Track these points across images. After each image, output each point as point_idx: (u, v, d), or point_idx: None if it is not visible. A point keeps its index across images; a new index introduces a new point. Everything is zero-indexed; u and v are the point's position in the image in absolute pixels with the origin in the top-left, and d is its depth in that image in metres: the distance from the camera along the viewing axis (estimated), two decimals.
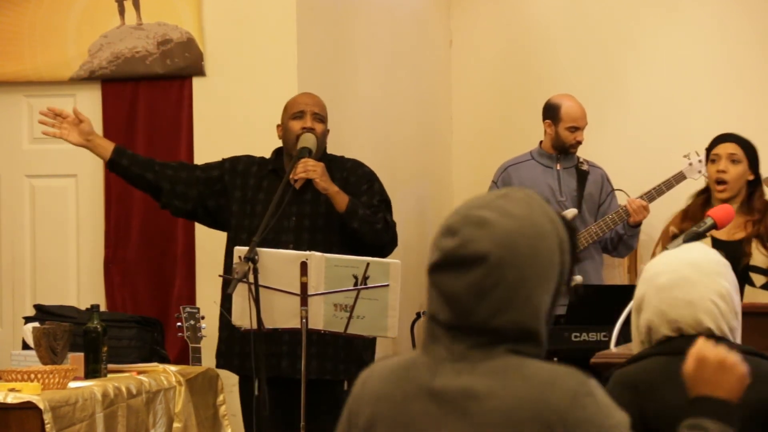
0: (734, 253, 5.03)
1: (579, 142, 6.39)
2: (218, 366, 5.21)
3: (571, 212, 6.11)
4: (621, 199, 6.41)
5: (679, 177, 6.19)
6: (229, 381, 5.28)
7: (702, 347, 2.39)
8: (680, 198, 5.59)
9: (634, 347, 2.85)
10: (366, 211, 4.95)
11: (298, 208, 5.02)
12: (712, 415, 2.33)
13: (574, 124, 6.37)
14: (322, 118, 5.11)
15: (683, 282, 2.73)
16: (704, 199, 5.37)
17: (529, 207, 2.09)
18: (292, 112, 5.10)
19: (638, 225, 6.14)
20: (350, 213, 4.91)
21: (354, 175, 5.10)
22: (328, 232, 4.99)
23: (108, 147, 5.26)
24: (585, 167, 6.41)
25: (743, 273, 5.17)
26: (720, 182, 5.33)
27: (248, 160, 5.23)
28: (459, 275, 2.05)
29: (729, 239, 5.24)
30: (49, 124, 5.25)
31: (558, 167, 6.40)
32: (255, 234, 4.76)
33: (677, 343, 2.72)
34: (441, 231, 2.10)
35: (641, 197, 6.16)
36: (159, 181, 5.21)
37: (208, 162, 5.31)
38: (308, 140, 4.99)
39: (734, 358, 2.38)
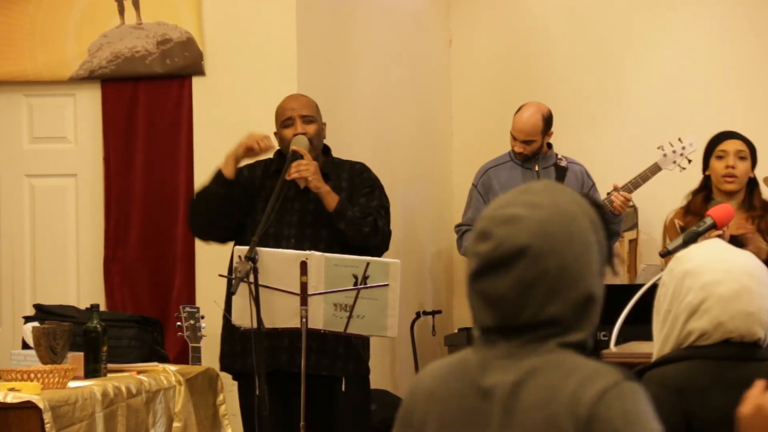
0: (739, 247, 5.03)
1: (517, 153, 6.26)
2: (222, 369, 5.18)
3: None
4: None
5: (655, 168, 6.09)
6: (229, 381, 5.28)
7: (760, 396, 2.39)
8: (680, 193, 5.57)
9: (658, 346, 2.76)
10: (355, 214, 4.95)
11: (301, 204, 5.02)
12: None
13: (514, 134, 6.27)
14: (312, 119, 5.08)
15: (746, 293, 2.66)
16: (704, 195, 5.37)
17: (552, 194, 2.08)
18: (281, 120, 5.08)
19: (621, 213, 6.04)
20: (338, 213, 4.93)
21: (359, 177, 5.11)
22: (332, 229, 4.98)
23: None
24: (564, 163, 6.34)
25: None
26: (729, 176, 5.34)
27: (256, 164, 5.18)
28: (502, 275, 2.03)
29: (731, 235, 5.24)
30: (254, 145, 5.04)
31: (536, 168, 6.30)
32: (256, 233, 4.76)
33: (722, 348, 2.67)
34: (475, 238, 2.08)
35: (618, 190, 6.02)
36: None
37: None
38: (299, 142, 4.98)
39: None
